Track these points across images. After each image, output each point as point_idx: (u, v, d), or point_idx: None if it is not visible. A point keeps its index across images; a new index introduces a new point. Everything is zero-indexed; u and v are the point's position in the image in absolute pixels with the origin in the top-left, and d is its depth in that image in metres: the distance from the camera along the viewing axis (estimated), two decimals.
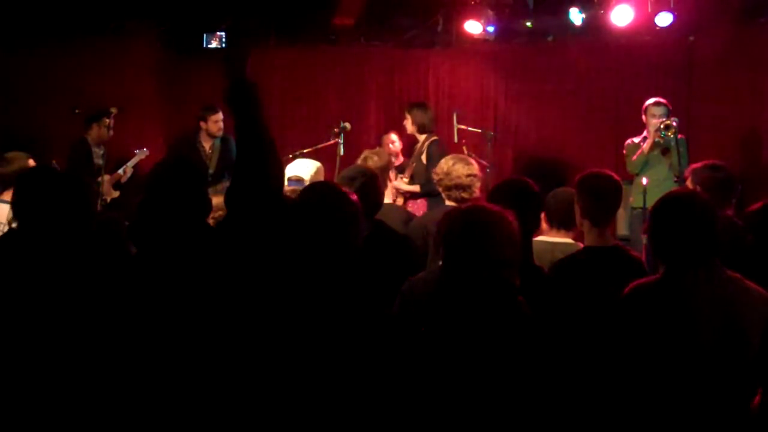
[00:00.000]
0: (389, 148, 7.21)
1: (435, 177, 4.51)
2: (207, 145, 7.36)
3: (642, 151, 6.30)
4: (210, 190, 3.02)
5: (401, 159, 7.24)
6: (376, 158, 4.73)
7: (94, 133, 6.97)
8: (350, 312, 2.36)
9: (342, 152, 6.62)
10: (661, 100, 6.36)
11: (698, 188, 4.37)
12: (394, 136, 7.41)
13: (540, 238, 3.89)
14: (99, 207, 6.14)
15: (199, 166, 3.17)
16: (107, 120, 6.85)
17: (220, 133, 7.35)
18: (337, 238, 2.42)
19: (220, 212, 3.12)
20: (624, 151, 6.51)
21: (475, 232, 2.35)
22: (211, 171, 7.15)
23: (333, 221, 2.42)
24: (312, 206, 2.48)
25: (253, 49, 2.68)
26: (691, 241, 2.64)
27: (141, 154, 7.29)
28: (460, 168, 4.36)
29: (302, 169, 5.04)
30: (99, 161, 6.88)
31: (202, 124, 7.35)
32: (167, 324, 2.62)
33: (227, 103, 2.65)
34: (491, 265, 2.31)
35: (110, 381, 2.59)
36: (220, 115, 7.27)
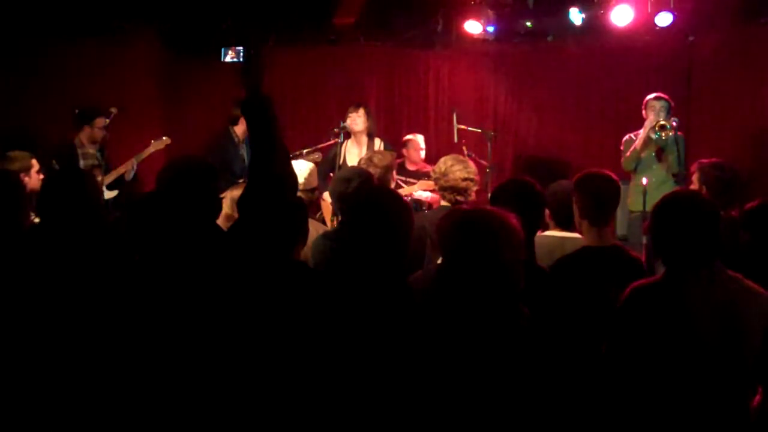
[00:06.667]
0: (413, 154, 6.99)
1: (432, 175, 4.49)
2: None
3: (635, 148, 6.15)
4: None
5: (425, 165, 6.81)
6: (380, 157, 4.72)
7: (86, 134, 6.65)
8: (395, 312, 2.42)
9: None
10: (663, 95, 6.24)
11: (703, 188, 4.37)
12: (421, 140, 7.14)
13: (548, 233, 3.86)
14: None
15: (212, 164, 3.23)
16: (102, 120, 6.68)
17: (244, 137, 6.80)
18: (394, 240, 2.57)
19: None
20: (621, 147, 6.35)
21: (473, 234, 2.28)
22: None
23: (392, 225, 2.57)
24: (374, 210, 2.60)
25: (267, 64, 2.78)
26: (693, 242, 2.63)
27: (159, 143, 6.82)
28: (457, 170, 4.30)
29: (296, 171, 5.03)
30: (91, 162, 6.68)
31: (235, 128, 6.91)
32: (189, 319, 2.63)
33: (243, 114, 2.77)
34: (489, 269, 2.24)
35: (120, 379, 2.60)
36: None
